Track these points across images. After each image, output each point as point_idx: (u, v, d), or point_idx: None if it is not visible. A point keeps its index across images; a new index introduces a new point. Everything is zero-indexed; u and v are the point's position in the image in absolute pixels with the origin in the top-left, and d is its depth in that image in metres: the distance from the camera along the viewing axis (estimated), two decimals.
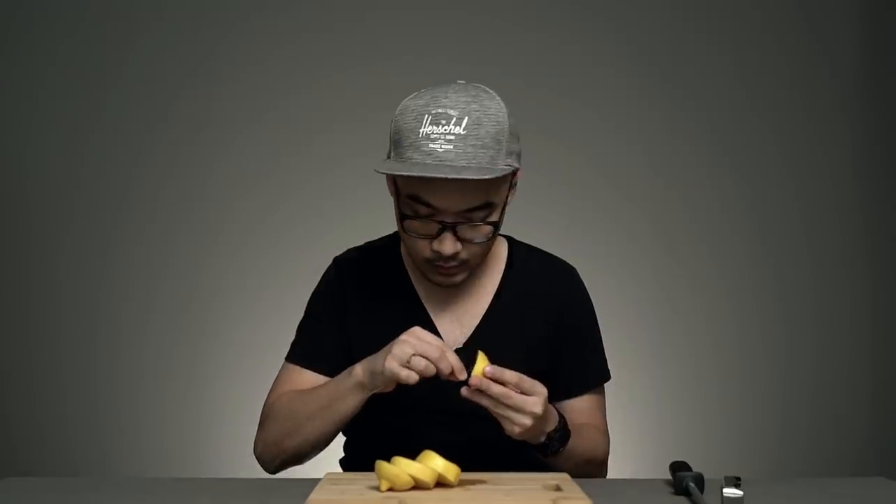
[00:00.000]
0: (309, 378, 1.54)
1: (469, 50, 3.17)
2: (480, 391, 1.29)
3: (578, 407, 1.55)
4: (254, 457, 1.61)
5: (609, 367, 1.62)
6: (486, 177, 1.32)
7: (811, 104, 3.25)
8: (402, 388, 1.50)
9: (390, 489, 1.21)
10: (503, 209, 1.43)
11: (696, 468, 1.31)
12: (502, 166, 1.36)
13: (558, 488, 1.25)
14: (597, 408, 1.58)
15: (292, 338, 1.64)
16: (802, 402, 3.18)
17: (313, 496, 1.19)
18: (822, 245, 3.23)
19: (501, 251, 1.59)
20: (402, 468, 1.21)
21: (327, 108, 3.19)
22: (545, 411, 1.33)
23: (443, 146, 1.33)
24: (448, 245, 1.39)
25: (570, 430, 1.40)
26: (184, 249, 3.17)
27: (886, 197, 3.23)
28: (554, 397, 1.54)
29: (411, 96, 1.41)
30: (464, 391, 1.30)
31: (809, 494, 1.36)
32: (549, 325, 1.55)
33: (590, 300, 1.61)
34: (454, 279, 1.46)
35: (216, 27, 3.21)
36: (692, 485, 1.26)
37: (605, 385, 1.62)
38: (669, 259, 3.21)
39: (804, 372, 3.19)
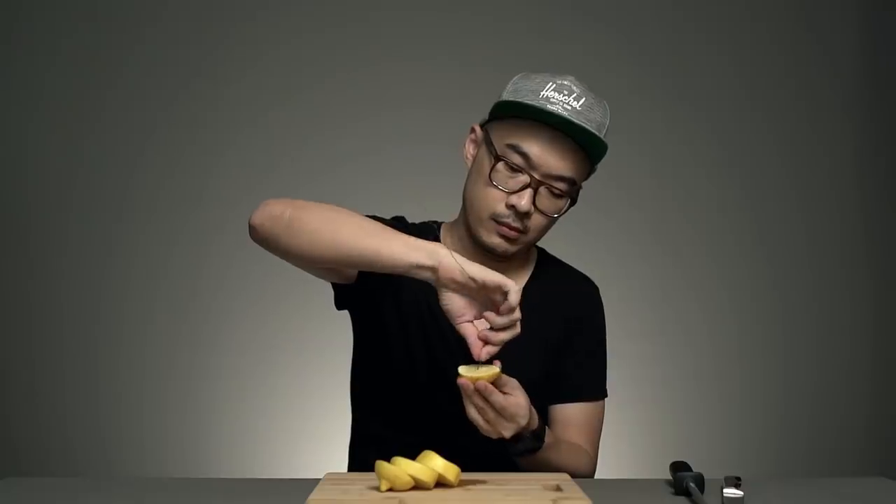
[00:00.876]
0: None
1: (470, 50, 3.17)
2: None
3: (569, 416, 1.56)
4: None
5: (610, 370, 1.61)
6: (596, 133, 1.43)
7: (811, 104, 3.25)
8: (405, 388, 1.51)
9: (390, 489, 1.21)
10: (576, 195, 1.49)
11: (696, 468, 1.31)
12: (601, 152, 1.47)
13: (558, 488, 1.25)
14: (587, 423, 1.57)
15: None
16: (802, 402, 3.18)
17: (313, 496, 1.19)
18: (823, 246, 3.23)
19: (531, 258, 1.62)
20: (402, 468, 1.21)
21: (329, 108, 3.19)
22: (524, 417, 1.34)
23: (560, 109, 1.43)
24: (526, 201, 1.43)
25: (543, 443, 1.40)
26: (184, 250, 3.17)
27: (887, 197, 3.23)
28: (547, 401, 1.54)
29: (520, 75, 1.52)
30: (459, 380, 1.31)
31: (809, 494, 1.36)
32: (563, 332, 1.57)
33: (603, 318, 1.64)
34: (509, 246, 1.48)
35: (216, 27, 3.21)
36: (692, 485, 1.26)
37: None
38: (669, 259, 3.21)
39: (804, 372, 3.19)
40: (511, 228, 1.46)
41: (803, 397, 3.18)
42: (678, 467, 1.32)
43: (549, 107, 1.42)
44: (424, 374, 1.53)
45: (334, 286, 1.55)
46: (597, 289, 1.66)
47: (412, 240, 1.32)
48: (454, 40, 3.20)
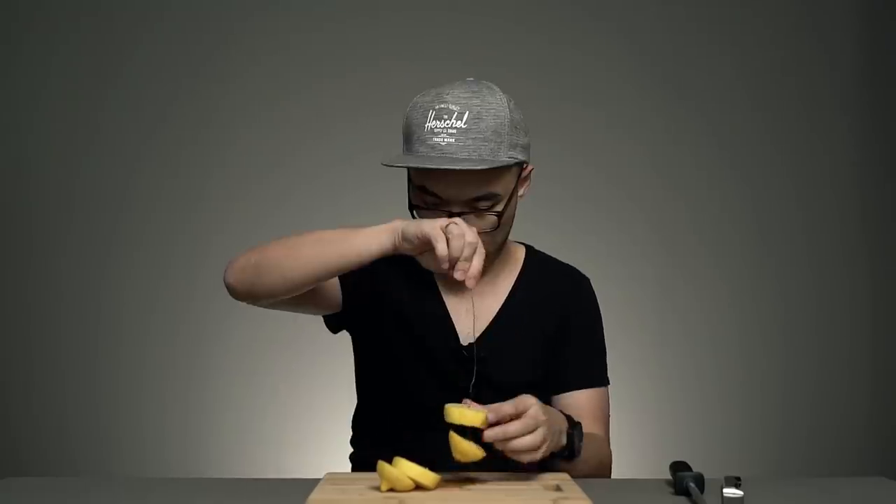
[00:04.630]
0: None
1: (471, 51, 3.17)
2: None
3: (577, 404, 1.54)
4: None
5: (610, 370, 1.61)
6: (483, 167, 1.37)
7: (811, 104, 3.25)
8: (408, 388, 1.51)
9: (391, 490, 1.21)
10: (510, 200, 1.46)
11: (696, 468, 1.31)
12: (504, 158, 1.41)
13: (558, 488, 1.25)
14: (597, 409, 1.56)
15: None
16: (802, 402, 3.18)
17: (313, 496, 1.19)
18: (822, 245, 3.23)
19: (518, 255, 1.62)
20: (403, 470, 1.21)
21: (328, 108, 3.19)
22: (547, 415, 1.30)
23: (445, 139, 1.38)
24: None
25: (579, 423, 1.39)
26: (184, 249, 3.17)
27: (886, 197, 3.23)
28: (552, 392, 1.53)
29: (421, 93, 1.46)
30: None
31: (809, 494, 1.36)
32: (557, 325, 1.57)
33: (597, 308, 1.64)
34: None
35: (216, 28, 3.21)
36: (692, 485, 1.26)
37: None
38: (669, 259, 3.21)
39: (804, 372, 3.19)
40: None
41: (803, 397, 3.18)
42: (678, 467, 1.32)
43: (434, 139, 1.39)
44: (417, 378, 1.54)
45: (324, 316, 1.58)
46: (586, 279, 1.65)
47: (368, 230, 1.35)
48: (454, 40, 3.20)
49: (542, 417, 1.27)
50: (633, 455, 2.98)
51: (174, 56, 3.20)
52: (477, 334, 1.53)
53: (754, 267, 3.22)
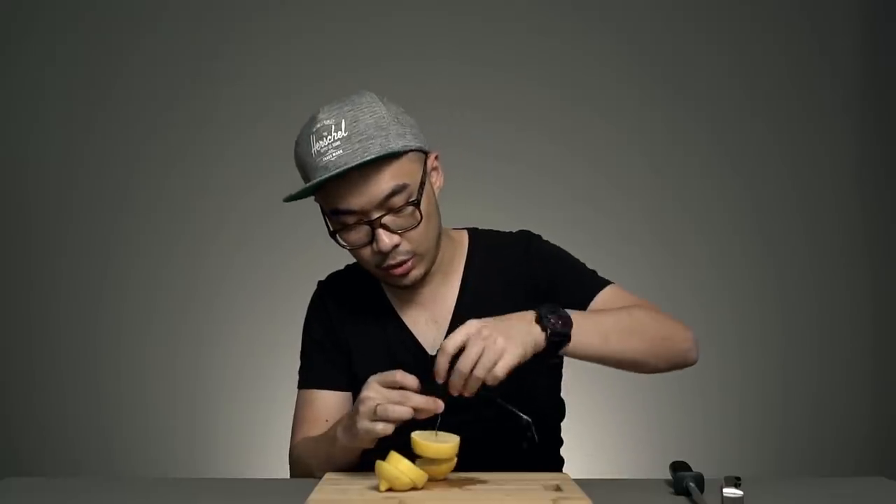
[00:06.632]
0: (323, 400, 1.59)
1: (470, 51, 3.17)
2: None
3: (598, 305, 1.52)
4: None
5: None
6: (373, 156, 1.37)
7: (811, 104, 3.24)
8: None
9: (390, 489, 1.22)
10: (422, 189, 1.44)
11: (696, 468, 1.31)
12: (394, 146, 1.41)
13: (558, 488, 1.25)
14: (617, 299, 1.53)
15: (293, 339, 1.66)
16: (802, 402, 3.18)
17: (313, 496, 1.19)
18: (822, 245, 3.23)
19: (462, 243, 1.61)
20: (401, 469, 1.22)
21: None
22: (489, 323, 1.28)
23: (334, 154, 1.41)
24: (384, 240, 1.42)
25: (557, 305, 1.34)
26: (186, 249, 3.17)
27: (887, 197, 3.23)
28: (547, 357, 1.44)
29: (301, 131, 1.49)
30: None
31: (809, 494, 1.36)
32: (527, 293, 1.53)
33: (556, 249, 1.60)
34: (412, 276, 1.47)
35: (216, 28, 3.21)
36: (692, 485, 1.26)
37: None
38: (669, 259, 3.21)
39: (804, 372, 3.19)
40: (396, 265, 1.45)
41: (803, 397, 3.18)
42: (678, 467, 1.32)
43: (325, 159, 1.41)
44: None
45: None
46: (532, 236, 1.61)
47: (337, 450, 1.38)
48: (454, 40, 3.20)
49: (474, 331, 1.26)
50: (633, 455, 2.99)
51: (174, 56, 3.19)
52: (441, 337, 1.51)
53: (754, 267, 3.22)
